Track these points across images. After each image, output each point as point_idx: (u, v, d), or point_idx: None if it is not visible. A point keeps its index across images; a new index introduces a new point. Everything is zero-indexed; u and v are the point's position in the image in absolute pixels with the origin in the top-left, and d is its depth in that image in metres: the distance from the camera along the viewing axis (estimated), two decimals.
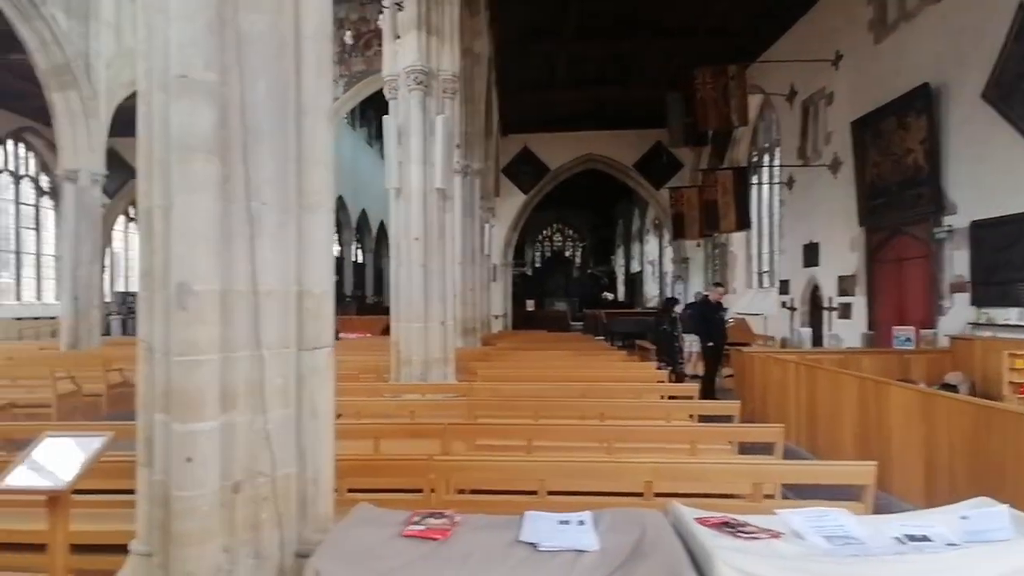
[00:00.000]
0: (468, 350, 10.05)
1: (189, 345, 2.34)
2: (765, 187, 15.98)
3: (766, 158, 16.07)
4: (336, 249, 23.89)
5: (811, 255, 12.74)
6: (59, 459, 2.12)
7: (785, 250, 14.21)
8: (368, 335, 17.20)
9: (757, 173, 16.30)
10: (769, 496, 3.56)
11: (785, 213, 14.34)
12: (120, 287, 21.92)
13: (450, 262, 7.49)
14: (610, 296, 28.17)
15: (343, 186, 23.60)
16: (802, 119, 13.07)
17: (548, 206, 23.81)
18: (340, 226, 24.54)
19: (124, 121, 13.58)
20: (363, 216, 26.54)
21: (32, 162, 18.93)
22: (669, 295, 10.55)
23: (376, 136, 28.32)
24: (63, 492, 2.04)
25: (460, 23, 7.62)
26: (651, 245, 27.53)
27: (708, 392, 8.45)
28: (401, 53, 7.25)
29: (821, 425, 6.53)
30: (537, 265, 32.47)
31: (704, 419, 5.37)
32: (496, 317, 18.00)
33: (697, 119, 12.93)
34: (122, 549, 2.94)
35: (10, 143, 18.07)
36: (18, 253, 18.46)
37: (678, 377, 8.70)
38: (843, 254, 11.64)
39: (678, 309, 9.87)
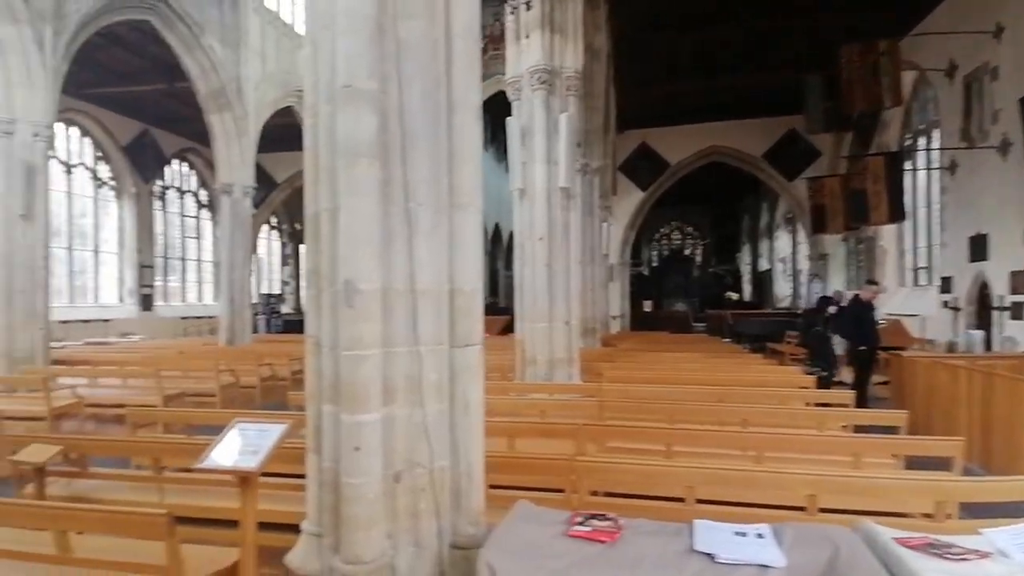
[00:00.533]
0: (590, 350, 9.95)
1: (355, 340, 2.46)
2: (921, 173, 14.37)
3: (921, 141, 14.44)
4: None
5: (978, 248, 11.28)
6: (248, 443, 2.31)
7: (947, 243, 12.68)
8: (487, 335, 17.58)
9: (911, 158, 14.70)
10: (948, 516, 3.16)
11: (947, 202, 12.79)
12: (264, 289, 24.05)
13: (574, 262, 7.43)
14: (734, 296, 26.69)
15: None
16: (964, 97, 11.61)
17: (666, 203, 23.03)
18: None
19: (267, 138, 14.97)
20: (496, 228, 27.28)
21: (193, 178, 21.34)
22: (824, 294, 9.77)
23: (490, 140, 28.97)
24: (253, 473, 2.21)
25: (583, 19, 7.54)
26: (782, 241, 25.80)
27: (859, 400, 7.73)
28: (525, 53, 7.31)
29: (997, 437, 5.75)
30: (654, 264, 31.46)
31: (859, 430, 4.91)
32: (614, 318, 17.73)
33: (841, 101, 11.89)
34: (291, 528, 3.20)
35: (175, 162, 20.46)
36: (183, 260, 20.88)
37: (826, 383, 8.05)
38: (1016, 247, 10.21)
39: (832, 309, 9.12)
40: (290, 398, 5.80)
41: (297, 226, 25.89)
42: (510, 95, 7.64)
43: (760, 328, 17.47)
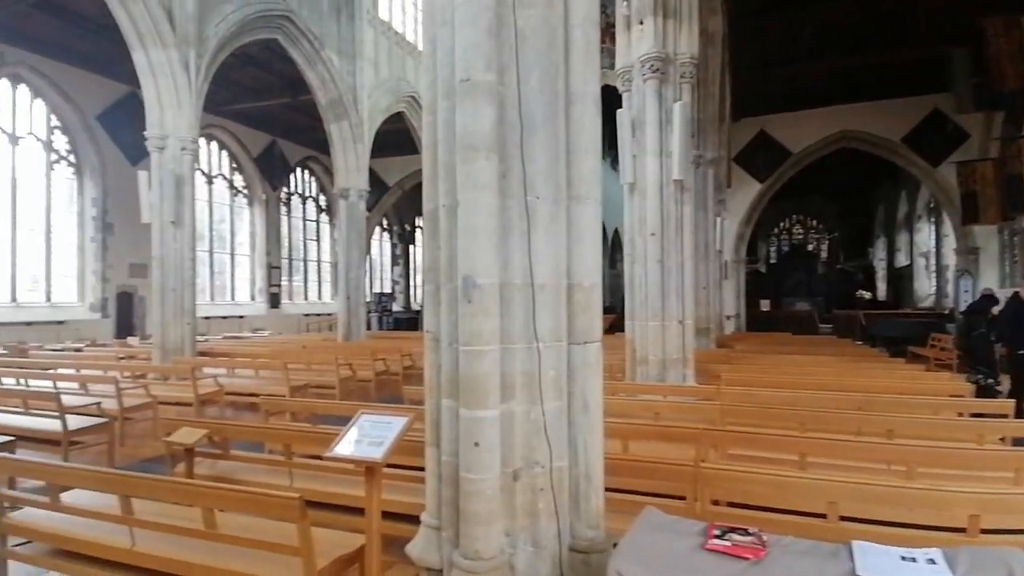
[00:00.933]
0: (704, 352, 9.49)
1: (474, 336, 2.44)
2: None
3: None
4: None
5: None
6: (373, 435, 2.35)
7: None
8: None
9: None
10: None
11: None
12: (376, 288, 25.28)
13: (688, 258, 7.10)
14: (867, 295, 24.27)
15: None
16: None
17: (785, 195, 21.48)
18: None
19: (378, 144, 15.68)
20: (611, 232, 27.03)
21: (314, 184, 22.86)
22: (988, 292, 8.67)
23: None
24: (379, 463, 2.25)
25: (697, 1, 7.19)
26: (923, 234, 23.30)
27: (1019, 410, 6.78)
28: (636, 42, 7.08)
29: None
30: (772, 261, 29.49)
31: (1017, 443, 4.30)
32: (728, 318, 16.86)
33: (991, 78, 10.54)
34: (410, 519, 3.26)
35: (298, 170, 22.01)
36: (305, 261, 22.43)
37: (990, 392, 7.13)
38: None
39: (995, 309, 8.08)
40: (405, 392, 5.99)
41: (407, 227, 27.01)
42: (620, 86, 7.43)
43: (899, 330, 15.85)
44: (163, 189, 9.58)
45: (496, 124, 2.49)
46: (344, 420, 5.34)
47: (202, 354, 10.42)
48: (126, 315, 15.53)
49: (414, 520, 3.25)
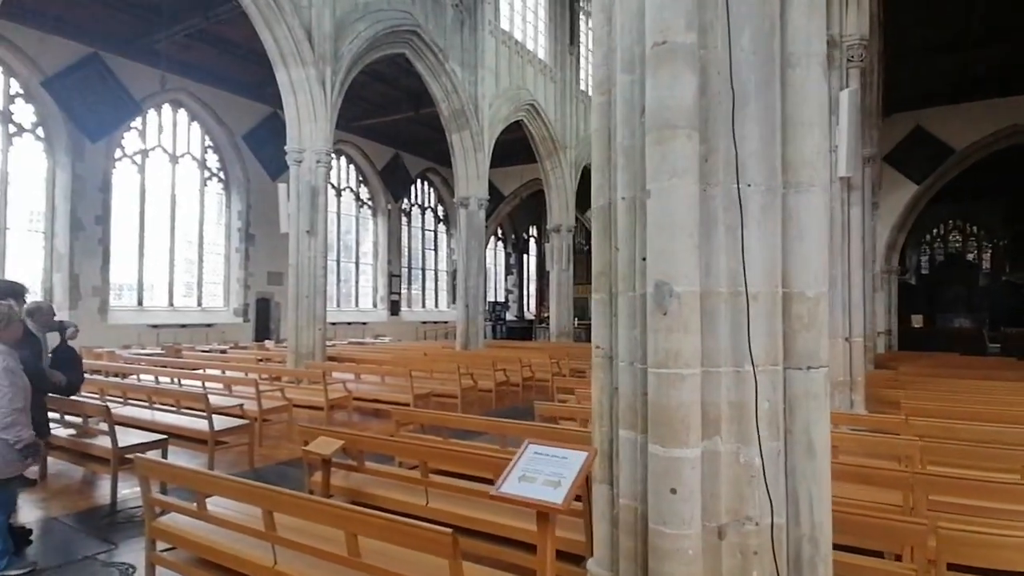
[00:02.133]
0: (866, 374, 8.34)
1: (670, 356, 1.98)
2: None
3: None
4: None
5: None
6: (547, 471, 1.96)
7: None
8: None
9: None
10: None
11: None
12: (490, 297, 25.41)
13: (855, 267, 6.19)
14: None
15: None
16: None
17: (940, 198, 19.01)
18: None
19: (494, 154, 15.64)
20: None
21: (432, 195, 23.44)
22: None
23: None
24: (559, 509, 1.85)
25: None
26: None
27: None
28: None
29: None
30: (924, 272, 26.20)
31: None
32: (879, 334, 15.08)
33: None
34: (566, 556, 2.85)
35: (418, 182, 22.65)
36: (423, 269, 23.01)
37: None
38: None
39: None
40: (537, 409, 5.62)
41: (523, 236, 27.01)
42: None
43: None
44: (300, 200, 9.99)
45: (698, 95, 2.03)
46: (474, 435, 5.04)
47: (331, 359, 10.73)
48: (264, 320, 16.60)
49: (571, 558, 2.85)
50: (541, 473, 2.01)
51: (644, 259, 2.10)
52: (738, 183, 2.03)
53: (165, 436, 5.36)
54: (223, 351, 12.77)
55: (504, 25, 15.12)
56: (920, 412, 5.60)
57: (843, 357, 6.12)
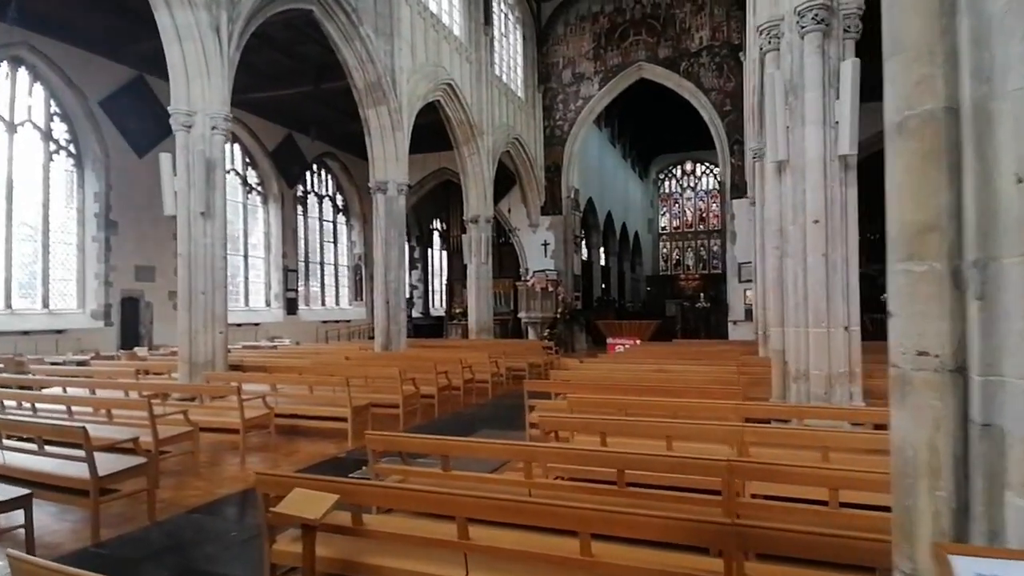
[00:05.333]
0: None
1: None
2: None
3: None
4: (584, 253, 23.35)
5: None
6: None
7: None
8: (637, 341, 16.08)
9: None
10: None
11: None
12: None
13: (853, 252, 5.81)
14: None
15: (591, 187, 23.00)
16: None
17: None
18: (589, 228, 23.99)
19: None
20: (608, 219, 25.76)
21: (331, 182, 21.41)
22: None
23: (616, 136, 27.40)
24: None
25: None
26: None
27: None
28: None
29: None
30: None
31: None
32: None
33: None
34: None
35: (314, 166, 20.55)
36: (322, 264, 20.95)
37: None
38: None
39: None
40: (533, 424, 4.60)
41: (429, 228, 25.65)
42: (763, 44, 6.19)
43: None
44: (191, 175, 8.17)
45: None
46: (489, 464, 3.88)
47: (233, 367, 8.98)
48: (132, 323, 14.02)
49: None
50: None
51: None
52: None
53: (27, 492, 3.73)
54: (83, 363, 10.40)
55: None
56: None
57: (844, 348, 5.73)
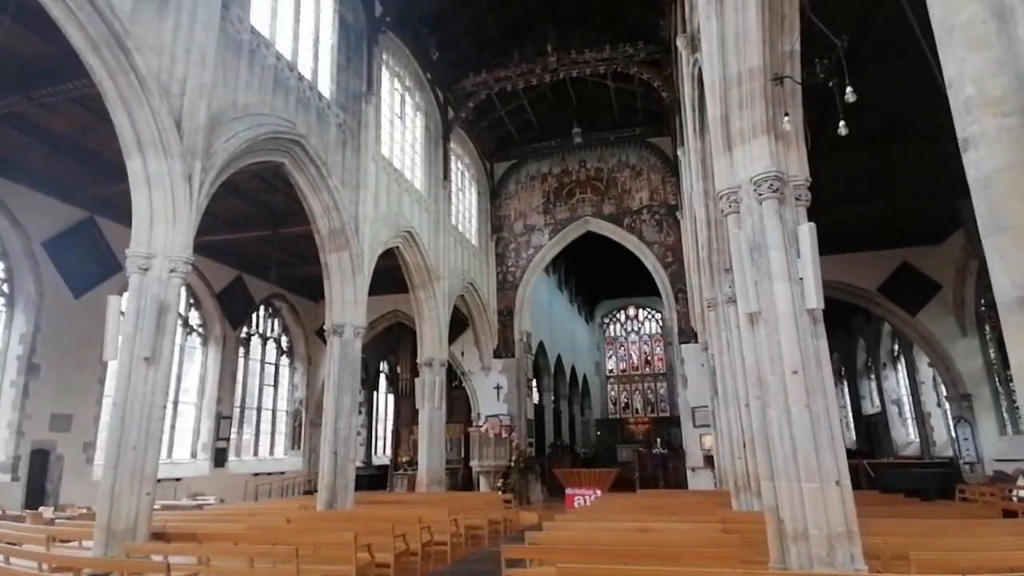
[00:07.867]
0: None
1: None
2: None
3: None
4: (536, 397, 23.05)
5: None
6: None
7: None
8: (598, 491, 15.37)
9: None
10: None
11: None
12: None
13: (833, 403, 5.88)
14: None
15: (542, 330, 23.30)
16: None
17: None
18: (540, 371, 23.91)
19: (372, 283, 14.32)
20: (559, 361, 25.87)
21: (276, 324, 20.80)
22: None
23: (564, 282, 28.48)
24: None
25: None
26: (891, 381, 23.67)
27: None
28: (744, 162, 6.44)
29: None
30: None
31: None
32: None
33: None
34: None
35: (262, 308, 20.04)
36: (259, 409, 19.66)
37: None
38: None
39: None
40: None
41: (376, 371, 24.86)
42: (724, 208, 6.67)
43: (914, 481, 15.04)
44: (141, 318, 7.67)
45: None
46: None
47: (156, 536, 7.84)
48: (38, 478, 12.35)
49: None
50: None
51: None
52: None
53: None
54: None
55: (384, 152, 14.60)
56: (934, 567, 5.10)
57: (839, 505, 5.56)
